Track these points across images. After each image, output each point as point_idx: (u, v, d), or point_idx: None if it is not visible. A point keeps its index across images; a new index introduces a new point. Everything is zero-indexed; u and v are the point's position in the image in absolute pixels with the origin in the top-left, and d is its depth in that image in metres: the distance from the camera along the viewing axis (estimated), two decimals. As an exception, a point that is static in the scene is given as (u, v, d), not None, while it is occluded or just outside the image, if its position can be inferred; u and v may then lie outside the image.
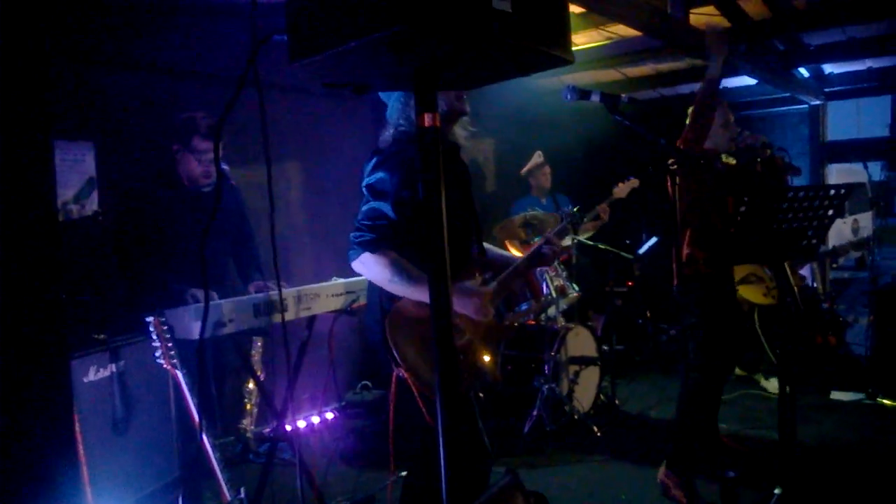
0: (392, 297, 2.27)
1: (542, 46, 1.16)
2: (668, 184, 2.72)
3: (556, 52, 1.18)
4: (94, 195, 3.78)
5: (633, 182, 5.69)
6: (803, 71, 6.72)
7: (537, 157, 5.96)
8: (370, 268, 2.24)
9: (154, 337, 2.48)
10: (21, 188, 1.60)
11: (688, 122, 3.52)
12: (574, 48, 5.08)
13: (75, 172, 3.76)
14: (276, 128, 4.80)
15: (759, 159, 3.74)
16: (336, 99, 5.37)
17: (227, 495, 2.44)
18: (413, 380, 2.17)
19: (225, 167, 3.31)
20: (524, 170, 5.99)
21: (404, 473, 3.01)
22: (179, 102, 3.87)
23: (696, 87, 6.91)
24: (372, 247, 2.22)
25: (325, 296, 3.11)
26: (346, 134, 5.47)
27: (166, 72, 4.12)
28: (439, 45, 1.10)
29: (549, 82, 6.05)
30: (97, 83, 3.77)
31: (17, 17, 1.52)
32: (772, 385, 5.30)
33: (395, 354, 2.18)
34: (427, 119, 1.25)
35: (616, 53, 5.30)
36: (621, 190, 5.80)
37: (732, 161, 3.68)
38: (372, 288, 2.39)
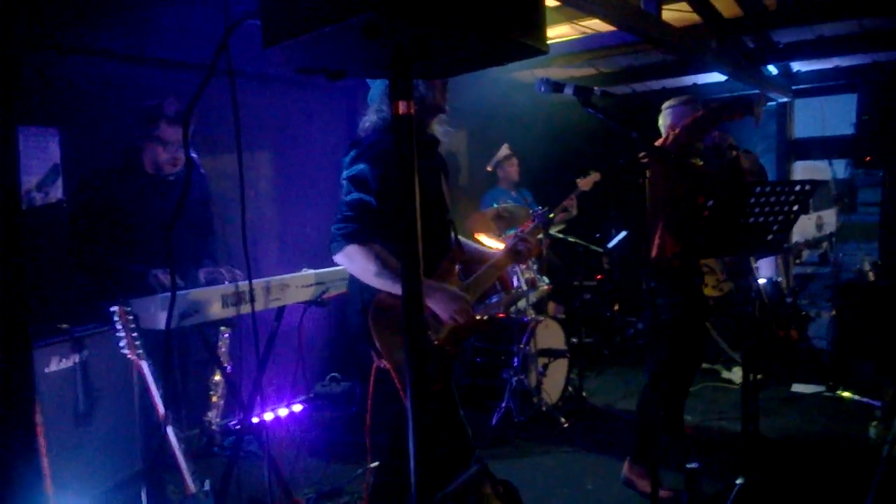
0: (372, 289, 2.25)
1: (516, 35, 1.15)
2: (640, 177, 2.74)
3: (530, 42, 1.18)
4: (59, 182, 3.69)
5: (596, 175, 5.73)
6: (772, 68, 6.83)
7: (504, 150, 5.97)
8: (355, 260, 2.22)
9: (119, 327, 2.43)
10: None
11: (667, 114, 3.55)
12: (547, 42, 5.13)
13: (39, 159, 3.67)
14: (246, 117, 4.72)
15: (723, 160, 3.80)
16: (307, 89, 5.31)
17: (192, 487, 2.41)
18: (395, 372, 2.16)
19: (193, 155, 3.26)
20: (491, 163, 6.01)
21: (375, 464, 3.01)
22: (148, 89, 3.79)
23: (670, 82, 7.04)
24: (358, 238, 2.20)
25: (294, 286, 3.08)
26: (317, 124, 5.42)
27: (135, 59, 4.04)
28: (412, 32, 1.08)
29: (523, 76, 6.06)
30: (63, 69, 3.68)
31: None
32: (736, 375, 5.40)
33: (378, 346, 2.16)
34: (402, 107, 1.24)
35: (589, 48, 5.31)
36: (585, 183, 5.84)
37: (699, 162, 3.73)
38: (353, 279, 2.37)
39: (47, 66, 3.60)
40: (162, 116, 3.20)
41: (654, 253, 3.56)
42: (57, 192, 3.62)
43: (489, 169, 6.04)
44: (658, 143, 3.60)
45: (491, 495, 1.39)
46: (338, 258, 2.26)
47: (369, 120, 2.37)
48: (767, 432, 4.15)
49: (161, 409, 2.39)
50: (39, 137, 3.65)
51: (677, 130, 3.49)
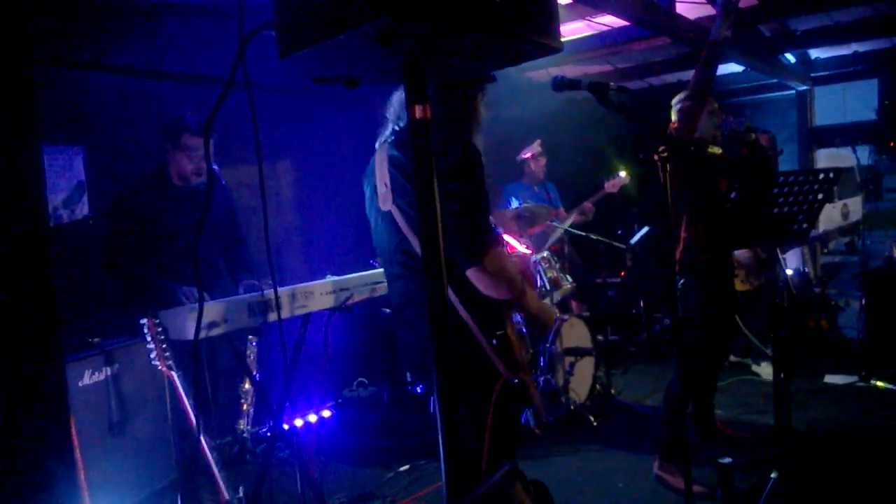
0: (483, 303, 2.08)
1: (529, 34, 1.16)
2: (660, 171, 2.72)
3: (543, 40, 1.18)
4: (85, 199, 3.76)
5: (624, 179, 5.73)
6: (790, 56, 6.75)
7: (537, 146, 5.96)
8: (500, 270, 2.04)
9: (149, 339, 2.47)
10: (12, 195, 1.58)
11: (677, 109, 3.53)
12: (562, 40, 5.12)
13: (64, 177, 3.74)
14: (267, 128, 4.79)
15: (745, 143, 3.75)
16: (326, 98, 5.36)
17: (226, 494, 2.44)
18: (523, 385, 2.09)
19: (215, 167, 3.30)
20: (522, 155, 6.00)
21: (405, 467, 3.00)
22: (168, 104, 3.86)
23: (685, 75, 6.99)
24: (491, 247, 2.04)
25: (318, 294, 3.10)
26: (335, 133, 5.46)
27: (154, 73, 4.11)
28: (424, 35, 1.09)
29: (538, 75, 6.05)
30: (84, 87, 3.75)
31: (3, 22, 1.51)
32: (764, 370, 5.33)
33: (515, 360, 2.08)
34: (418, 111, 1.25)
35: (603, 44, 5.30)
36: (612, 185, 5.84)
37: (718, 150, 3.69)
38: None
39: (68, 85, 3.67)
40: (184, 129, 3.26)
41: (679, 248, 3.53)
42: (83, 209, 3.69)
43: (519, 158, 6.03)
44: None
45: (522, 495, 1.39)
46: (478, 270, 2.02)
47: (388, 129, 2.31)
48: (800, 425, 4.10)
49: (193, 417, 2.41)
50: (64, 156, 3.72)
51: (676, 121, 3.46)
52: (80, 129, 3.74)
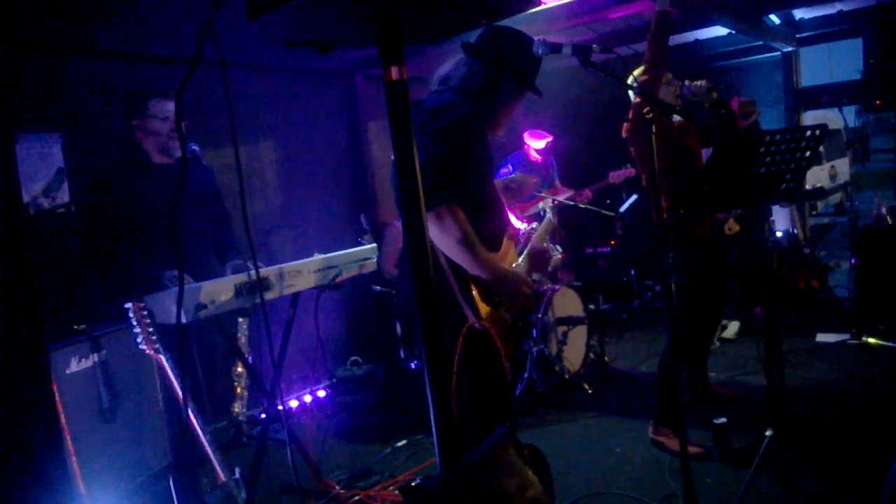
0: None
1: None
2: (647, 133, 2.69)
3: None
4: (65, 186, 3.70)
5: (629, 171, 5.73)
6: (774, 18, 6.69)
7: (541, 143, 5.96)
8: (446, 223, 2.17)
9: (134, 323, 2.44)
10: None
11: (642, 66, 3.49)
12: (543, 7, 5.04)
13: (44, 165, 3.68)
14: (249, 108, 4.72)
15: (708, 106, 3.71)
16: (308, 76, 5.29)
17: (222, 476, 2.43)
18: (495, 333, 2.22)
19: (195, 147, 3.24)
20: (525, 135, 5.98)
21: (402, 442, 3.00)
22: (144, 86, 3.78)
23: (672, 39, 6.92)
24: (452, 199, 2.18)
25: (307, 272, 3.07)
26: (317, 111, 5.40)
27: (130, 56, 4.02)
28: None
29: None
30: (60, 73, 3.67)
31: None
32: (730, 331, 5.37)
33: (476, 308, 2.20)
34: (394, 72, 1.21)
35: (585, 9, 5.22)
36: (616, 176, 5.83)
37: (679, 119, 3.66)
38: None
39: (44, 71, 3.59)
40: (147, 96, 3.21)
41: (663, 217, 3.51)
42: (64, 196, 3.63)
43: (523, 135, 6.03)
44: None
45: (516, 459, 1.38)
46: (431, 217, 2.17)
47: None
48: (794, 383, 4.12)
49: (180, 395, 2.39)
50: (42, 143, 3.66)
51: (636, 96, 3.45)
52: (57, 115, 3.67)
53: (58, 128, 3.67)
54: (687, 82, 3.70)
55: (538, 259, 2.58)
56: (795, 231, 6.15)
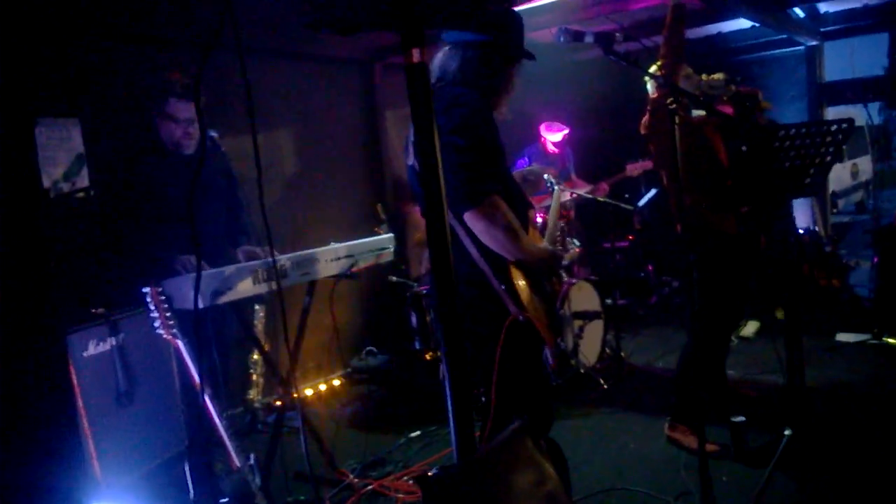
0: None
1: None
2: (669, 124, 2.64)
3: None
4: (84, 171, 3.72)
5: (646, 163, 5.68)
6: (798, 11, 6.58)
7: (558, 136, 5.95)
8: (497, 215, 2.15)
9: (152, 307, 2.44)
10: (3, 166, 1.54)
11: (658, 61, 3.44)
12: (563, -3, 4.99)
13: (63, 150, 3.70)
14: (266, 95, 4.72)
15: (727, 99, 3.65)
16: (326, 64, 5.28)
17: (237, 461, 2.43)
18: (540, 325, 2.22)
19: (213, 133, 3.24)
20: (541, 128, 5.96)
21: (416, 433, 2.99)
22: (161, 70, 3.78)
23: (691, 32, 6.85)
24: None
25: (323, 260, 3.07)
26: (336, 101, 5.39)
27: (149, 41, 4.02)
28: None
29: (542, 35, 5.94)
30: (79, 58, 3.68)
31: None
32: (749, 330, 5.31)
33: (521, 300, 2.18)
34: (415, 55, 1.19)
35: (607, 0, 5.17)
36: (633, 169, 5.78)
37: (701, 113, 3.60)
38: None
39: (64, 56, 3.60)
40: (169, 93, 3.20)
41: (686, 207, 3.46)
42: (83, 181, 3.65)
43: (539, 128, 6.01)
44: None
45: (534, 451, 1.36)
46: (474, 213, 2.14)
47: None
48: (813, 382, 4.06)
49: (197, 379, 2.39)
50: (62, 128, 3.67)
51: (654, 91, 3.40)
52: (77, 100, 3.68)
53: (77, 113, 3.68)
54: (704, 76, 3.65)
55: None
56: (817, 228, 6.08)
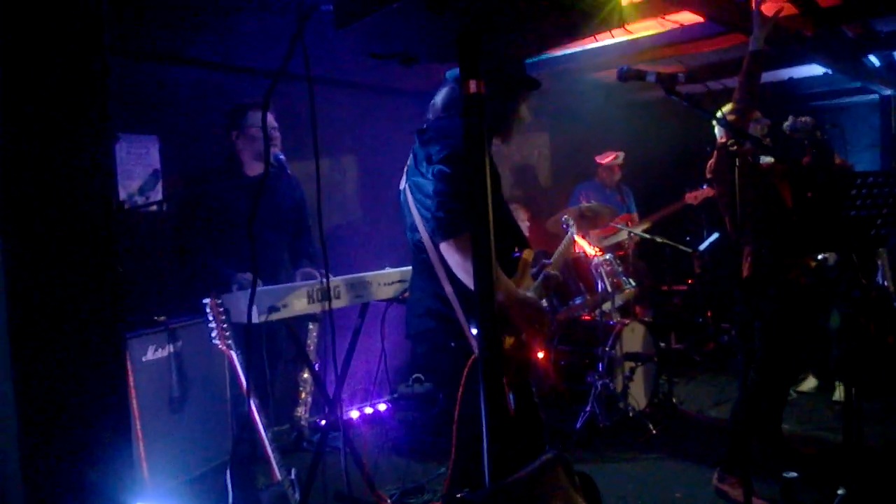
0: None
1: (587, 6, 1.13)
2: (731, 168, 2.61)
3: (602, 11, 1.15)
4: (159, 187, 3.91)
5: (707, 192, 5.58)
6: (874, 59, 6.43)
7: (616, 158, 5.93)
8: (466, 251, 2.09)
9: (210, 318, 2.53)
10: (82, 176, 1.64)
11: (731, 104, 3.41)
12: (631, 37, 5.01)
13: (141, 165, 3.90)
14: (331, 122, 4.85)
15: (807, 143, 3.56)
16: (384, 94, 5.42)
17: (278, 475, 2.48)
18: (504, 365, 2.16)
19: (281, 156, 3.36)
20: (598, 159, 5.97)
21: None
22: (239, 97, 3.96)
23: (765, 76, 6.74)
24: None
25: (377, 284, 3.12)
26: (399, 130, 5.50)
27: (227, 68, 4.22)
28: (479, 5, 1.08)
29: (603, 75, 5.96)
30: (160, 79, 3.89)
31: (78, 16, 1.56)
32: (807, 385, 5.11)
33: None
34: (472, 86, 1.24)
35: (674, 41, 5.16)
36: (692, 197, 5.70)
37: (770, 160, 3.53)
38: (425, 276, 2.35)
39: (146, 77, 3.81)
40: (247, 107, 3.36)
41: (747, 263, 3.38)
42: (157, 195, 3.83)
43: (597, 160, 6.01)
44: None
45: (567, 482, 1.35)
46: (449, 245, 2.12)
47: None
48: (872, 442, 3.88)
49: (245, 384, 2.43)
50: (141, 144, 3.87)
51: (723, 136, 3.35)
52: (156, 118, 3.88)
53: (155, 130, 3.88)
54: (791, 117, 3.59)
55: (553, 284, 2.49)
56: (886, 283, 5.83)
